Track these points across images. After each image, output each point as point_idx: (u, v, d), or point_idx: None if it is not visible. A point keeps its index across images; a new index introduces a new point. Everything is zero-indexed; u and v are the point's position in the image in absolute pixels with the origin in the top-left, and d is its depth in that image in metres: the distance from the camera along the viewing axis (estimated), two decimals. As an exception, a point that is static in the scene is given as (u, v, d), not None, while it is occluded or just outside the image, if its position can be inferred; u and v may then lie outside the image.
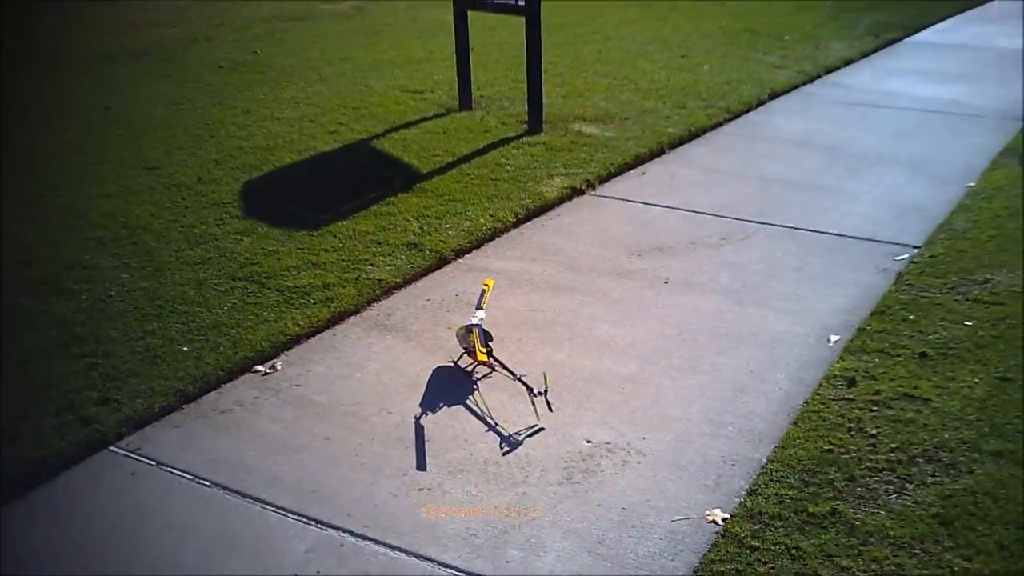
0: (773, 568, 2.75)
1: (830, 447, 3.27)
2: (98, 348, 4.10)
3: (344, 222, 5.37)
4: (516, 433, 3.46)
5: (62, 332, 4.25)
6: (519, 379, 3.67)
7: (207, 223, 5.39)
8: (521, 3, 6.67)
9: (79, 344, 4.14)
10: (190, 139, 6.92)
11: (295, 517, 3.06)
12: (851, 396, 3.58)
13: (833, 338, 4.04)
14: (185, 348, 4.09)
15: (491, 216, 5.43)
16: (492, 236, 5.27)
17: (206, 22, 11.57)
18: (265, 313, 4.38)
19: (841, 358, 3.86)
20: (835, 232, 5.18)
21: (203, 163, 6.40)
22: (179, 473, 3.31)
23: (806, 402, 3.58)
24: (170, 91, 8.33)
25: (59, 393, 3.77)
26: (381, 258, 4.92)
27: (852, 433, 3.36)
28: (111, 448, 3.46)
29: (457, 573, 2.80)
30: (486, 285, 4.20)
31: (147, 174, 6.21)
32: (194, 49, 10.10)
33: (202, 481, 3.26)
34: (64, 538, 3.01)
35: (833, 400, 3.56)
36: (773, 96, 8.01)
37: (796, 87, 8.33)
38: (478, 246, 5.16)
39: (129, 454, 3.43)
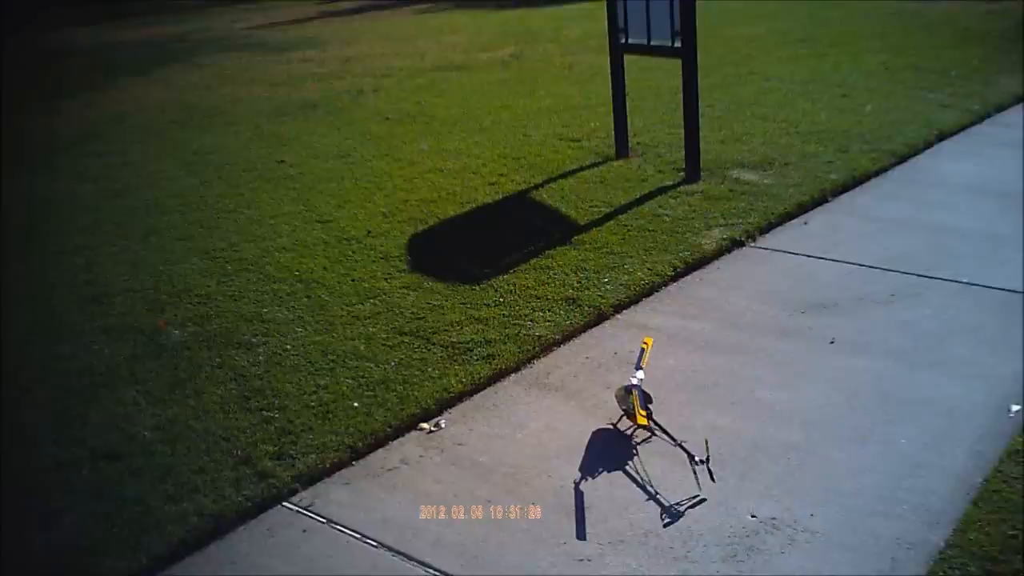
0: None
1: (1014, 533, 3.10)
2: (274, 402, 4.33)
3: (505, 276, 5.48)
4: (677, 503, 3.43)
5: (240, 385, 4.50)
6: (679, 445, 3.65)
7: (376, 277, 5.61)
8: (678, 45, 6.63)
9: (257, 397, 4.38)
10: (359, 192, 7.22)
11: (459, 582, 3.13)
12: (1036, 474, 3.40)
13: (1015, 408, 3.83)
14: (356, 404, 4.26)
15: (649, 270, 5.43)
16: (650, 291, 5.26)
17: (372, 73, 12.06)
18: (430, 369, 4.52)
19: (1024, 431, 3.67)
20: (1015, 288, 4.92)
21: (372, 216, 6.66)
22: (348, 532, 3.44)
23: (986, 479, 3.40)
24: (339, 143, 8.72)
25: (237, 446, 4.00)
26: (540, 313, 5.00)
27: (1038, 516, 3.18)
28: (284, 504, 3.63)
29: (619, 649, 2.80)
30: (645, 343, 4.19)
31: (320, 227, 6.52)
32: (361, 101, 10.55)
33: (369, 541, 3.38)
34: (244, 593, 3.18)
35: (1016, 479, 3.37)
36: (941, 138, 7.68)
37: (965, 127, 7.96)
38: (636, 301, 5.16)
39: (302, 511, 3.59)
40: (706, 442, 3.61)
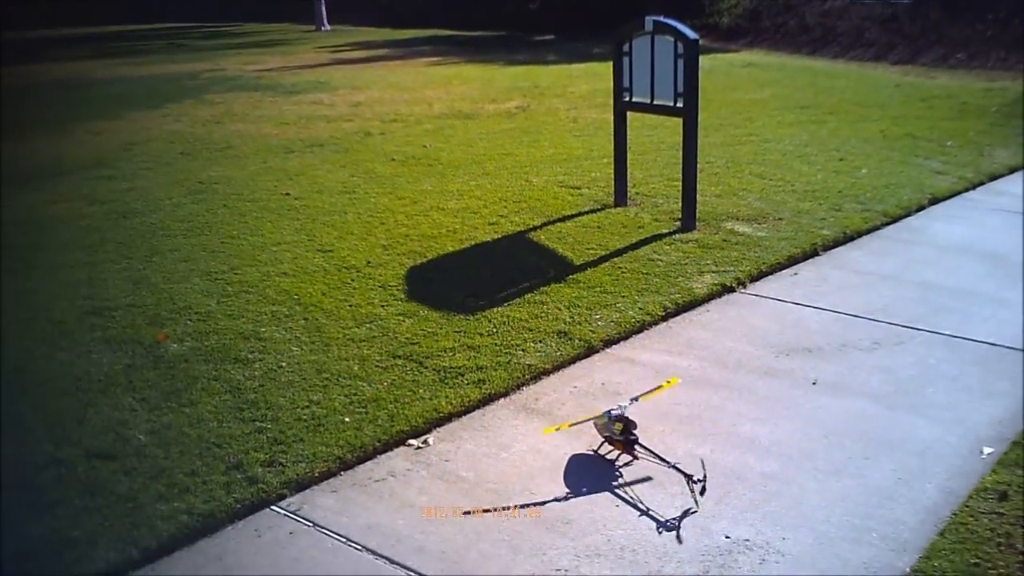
0: None
1: (977, 561, 3.20)
2: (267, 414, 4.43)
3: (499, 309, 5.61)
4: (673, 519, 3.52)
5: (235, 397, 4.61)
6: (674, 467, 3.76)
7: (373, 304, 5.73)
8: (679, 105, 6.90)
9: (251, 409, 4.48)
10: (361, 225, 7.38)
11: (438, 586, 3.21)
12: (1002, 511, 3.50)
13: (987, 450, 3.95)
14: (346, 419, 4.36)
15: (640, 309, 5.56)
16: (640, 328, 5.39)
17: (381, 118, 12.31)
18: (421, 391, 4.62)
19: (994, 471, 3.77)
20: (993, 342, 5.06)
21: (372, 248, 6.81)
22: (334, 535, 3.53)
23: (954, 513, 3.50)
24: (344, 180, 8.90)
25: (229, 452, 4.09)
26: (532, 344, 5.12)
27: (1001, 548, 3.27)
28: (272, 507, 3.73)
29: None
30: (669, 382, 4.38)
31: (321, 256, 6.66)
32: (368, 142, 10.77)
33: (354, 544, 3.47)
34: (228, 587, 3.26)
35: (983, 513, 3.48)
36: (933, 202, 7.88)
37: (957, 193, 8.17)
38: (626, 337, 5.29)
39: (289, 514, 3.68)
40: (702, 462, 3.72)
